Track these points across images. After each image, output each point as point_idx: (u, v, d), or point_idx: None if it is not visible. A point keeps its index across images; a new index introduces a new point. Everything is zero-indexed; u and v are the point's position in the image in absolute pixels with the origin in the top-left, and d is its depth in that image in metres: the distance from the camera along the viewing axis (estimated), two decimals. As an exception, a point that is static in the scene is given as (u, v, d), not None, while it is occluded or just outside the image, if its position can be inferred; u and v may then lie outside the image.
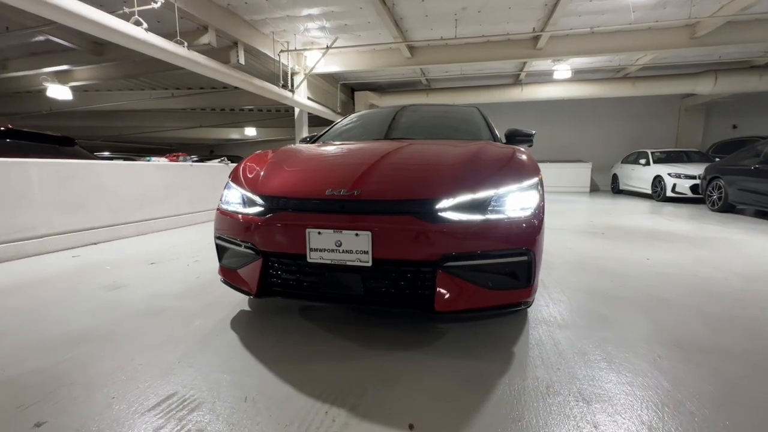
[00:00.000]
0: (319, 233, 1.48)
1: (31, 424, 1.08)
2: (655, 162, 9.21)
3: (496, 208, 1.49)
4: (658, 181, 8.61)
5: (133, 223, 4.04)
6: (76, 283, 2.41)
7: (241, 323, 1.79)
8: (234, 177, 1.88)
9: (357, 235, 1.44)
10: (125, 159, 6.74)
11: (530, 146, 2.75)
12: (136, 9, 4.47)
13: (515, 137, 2.58)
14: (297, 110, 9.75)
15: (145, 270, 2.72)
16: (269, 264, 1.63)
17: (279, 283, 1.63)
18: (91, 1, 4.17)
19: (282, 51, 7.93)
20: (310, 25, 7.23)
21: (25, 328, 1.73)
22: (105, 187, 3.85)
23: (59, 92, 8.51)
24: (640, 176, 9.50)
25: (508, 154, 1.82)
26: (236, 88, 7.44)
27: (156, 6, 4.59)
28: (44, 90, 8.50)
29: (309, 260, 1.50)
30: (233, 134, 16.55)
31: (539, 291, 2.25)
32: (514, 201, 1.53)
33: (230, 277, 1.78)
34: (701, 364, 1.43)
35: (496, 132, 2.68)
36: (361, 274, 1.51)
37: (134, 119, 12.25)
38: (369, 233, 1.43)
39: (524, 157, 1.81)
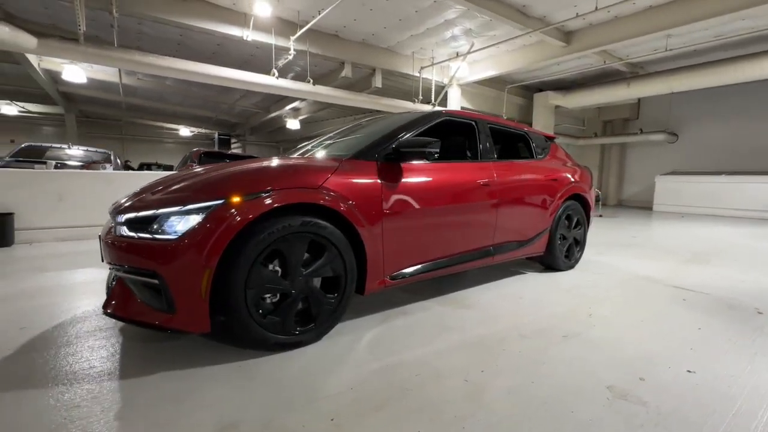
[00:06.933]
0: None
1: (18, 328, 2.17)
2: None
3: (153, 227, 1.56)
4: None
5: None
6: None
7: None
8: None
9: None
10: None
11: (431, 159, 2.19)
12: (273, 64, 6.18)
13: (400, 150, 2.13)
14: (449, 121, 9.87)
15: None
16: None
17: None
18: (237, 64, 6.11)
19: (423, 67, 8.36)
20: (440, 38, 7.31)
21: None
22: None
23: (293, 124, 12.30)
24: None
25: (229, 172, 1.71)
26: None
27: (290, 57, 6.14)
28: (286, 123, 12.52)
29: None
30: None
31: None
32: (169, 222, 1.54)
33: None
34: None
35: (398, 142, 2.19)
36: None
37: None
38: (104, 238, 1.83)
39: (224, 177, 1.67)
